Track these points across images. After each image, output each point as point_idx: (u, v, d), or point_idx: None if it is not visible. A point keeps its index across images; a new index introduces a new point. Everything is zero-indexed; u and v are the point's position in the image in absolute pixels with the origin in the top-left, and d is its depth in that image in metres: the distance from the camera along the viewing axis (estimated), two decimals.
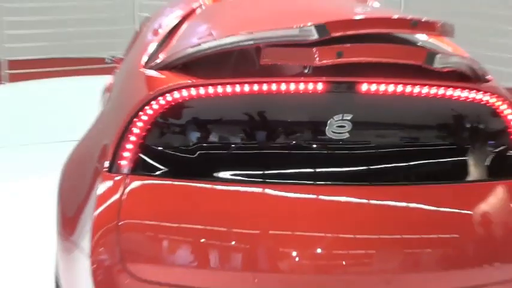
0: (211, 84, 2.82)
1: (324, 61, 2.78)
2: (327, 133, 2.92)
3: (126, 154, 2.86)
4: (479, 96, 2.94)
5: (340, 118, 2.91)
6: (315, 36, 2.77)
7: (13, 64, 7.49)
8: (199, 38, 3.11)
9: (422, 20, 2.91)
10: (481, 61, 2.99)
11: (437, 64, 2.83)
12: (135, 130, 2.85)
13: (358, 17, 3.00)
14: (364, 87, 2.88)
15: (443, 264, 2.87)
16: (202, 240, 2.86)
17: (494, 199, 3.07)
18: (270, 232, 2.85)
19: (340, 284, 2.81)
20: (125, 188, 2.91)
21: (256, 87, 2.85)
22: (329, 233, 2.83)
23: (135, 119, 2.84)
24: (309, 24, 2.75)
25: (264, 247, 2.86)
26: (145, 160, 2.91)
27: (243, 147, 2.99)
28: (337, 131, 2.93)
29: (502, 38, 6.69)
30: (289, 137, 3.05)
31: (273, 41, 2.83)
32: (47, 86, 7.11)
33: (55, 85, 7.10)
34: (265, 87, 2.86)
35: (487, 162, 3.09)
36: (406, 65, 2.85)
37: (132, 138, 2.85)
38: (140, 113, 2.85)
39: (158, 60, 3.14)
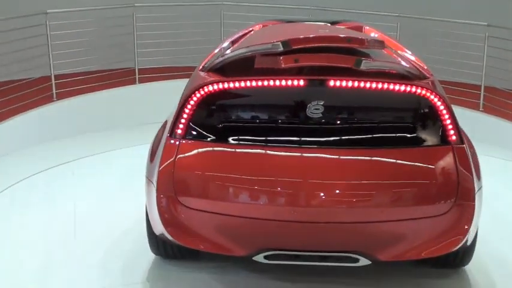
0: (228, 81, 3.65)
1: (286, 65, 3.56)
2: (307, 113, 3.61)
3: (180, 126, 3.69)
4: (413, 89, 3.58)
5: (316, 103, 3.62)
6: (280, 48, 3.56)
7: (142, 71, 8.80)
8: (231, 51, 3.88)
9: (354, 37, 3.69)
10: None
11: (363, 66, 3.53)
12: (186, 110, 3.68)
13: (311, 36, 3.69)
14: (331, 82, 3.57)
15: (389, 195, 3.54)
16: (222, 180, 3.58)
17: (429, 158, 3.61)
18: (261, 175, 3.54)
19: (328, 203, 3.48)
20: (178, 147, 3.65)
21: (259, 83, 3.58)
22: (309, 174, 3.50)
23: (185, 104, 3.68)
24: (277, 41, 3.55)
25: (263, 183, 3.55)
26: (190, 130, 3.69)
27: (249, 122, 3.73)
28: (314, 112, 3.61)
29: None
30: (282, 115, 3.73)
31: (259, 52, 3.65)
32: (168, 85, 8.57)
33: (175, 84, 7.73)
34: (264, 82, 3.58)
35: (421, 133, 3.66)
36: (368, 70, 3.54)
37: (184, 116, 3.68)
38: (188, 100, 3.68)
39: (206, 65, 3.93)
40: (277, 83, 3.57)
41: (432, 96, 3.61)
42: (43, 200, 5.64)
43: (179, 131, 3.70)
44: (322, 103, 3.58)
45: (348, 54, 3.64)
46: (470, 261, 4.12)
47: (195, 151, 3.68)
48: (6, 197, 5.75)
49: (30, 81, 8.00)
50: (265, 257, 3.60)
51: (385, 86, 3.58)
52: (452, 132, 3.64)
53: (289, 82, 3.56)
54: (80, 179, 6.29)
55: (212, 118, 3.73)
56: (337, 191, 3.51)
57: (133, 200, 5.28)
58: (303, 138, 3.63)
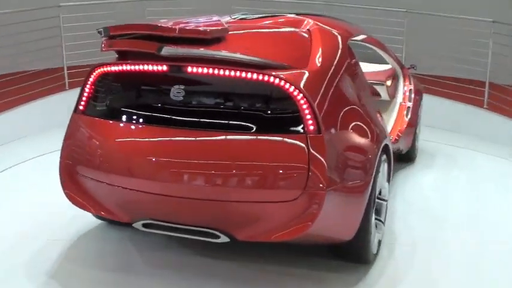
0: (111, 64, 3.99)
1: (105, 49, 3.86)
2: (171, 96, 3.76)
3: (81, 103, 4.07)
4: (264, 78, 3.63)
5: (178, 87, 3.77)
6: (102, 34, 3.84)
7: None
8: None
9: (161, 26, 3.79)
10: None
11: (163, 53, 3.61)
12: (85, 89, 4.05)
13: (127, 24, 3.86)
14: (189, 69, 3.70)
15: (240, 177, 3.61)
16: (104, 152, 3.88)
17: (281, 145, 3.63)
18: (129, 147, 3.83)
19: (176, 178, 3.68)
20: (77, 121, 4.04)
21: (137, 67, 3.84)
22: (172, 152, 3.72)
23: (84, 83, 4.06)
24: (103, 27, 3.84)
25: (133, 157, 3.81)
26: (88, 106, 4.04)
27: (129, 101, 4.01)
28: (176, 95, 3.76)
29: None
30: (150, 97, 4.01)
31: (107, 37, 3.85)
32: None
33: None
34: (139, 67, 3.83)
35: (276, 120, 3.69)
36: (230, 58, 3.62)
37: (85, 94, 4.06)
38: (86, 80, 4.06)
39: None
40: (139, 67, 3.84)
41: (287, 86, 3.60)
42: (44, 175, 5.92)
43: (80, 107, 4.05)
44: (183, 87, 3.74)
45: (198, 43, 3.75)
46: (370, 260, 4.16)
47: (88, 125, 4.01)
48: (11, 174, 6.25)
49: (44, 70, 8.26)
50: (143, 225, 3.88)
51: (234, 73, 3.65)
52: (310, 122, 3.59)
53: (151, 67, 3.79)
54: None
55: (105, 97, 4.02)
56: (193, 169, 3.67)
57: None
58: (166, 119, 3.79)
